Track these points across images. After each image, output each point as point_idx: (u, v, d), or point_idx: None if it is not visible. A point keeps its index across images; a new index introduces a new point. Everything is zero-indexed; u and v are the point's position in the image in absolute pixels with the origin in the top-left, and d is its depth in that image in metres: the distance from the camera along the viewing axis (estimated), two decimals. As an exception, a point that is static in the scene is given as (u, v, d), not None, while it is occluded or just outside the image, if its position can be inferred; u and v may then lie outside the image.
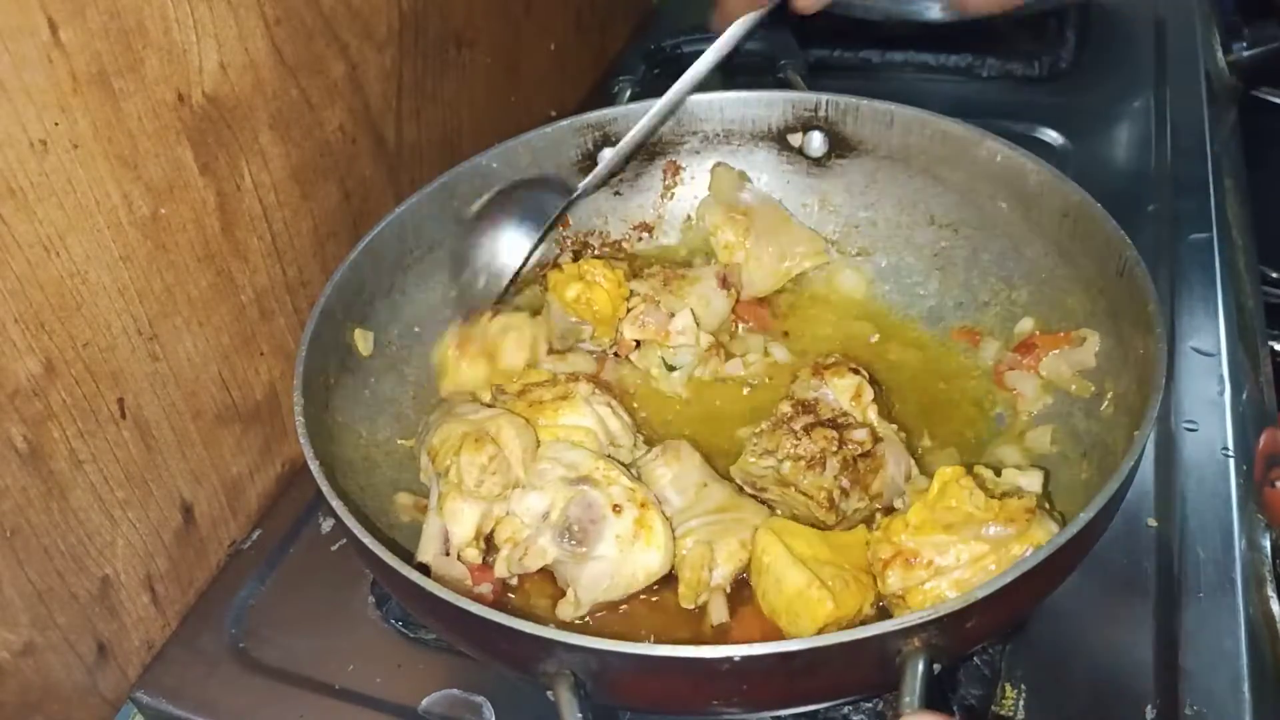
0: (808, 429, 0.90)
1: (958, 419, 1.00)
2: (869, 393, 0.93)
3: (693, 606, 0.85)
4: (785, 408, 0.93)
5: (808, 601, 0.78)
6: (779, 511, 0.90)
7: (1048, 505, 0.84)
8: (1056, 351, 0.95)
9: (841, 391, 0.93)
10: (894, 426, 0.94)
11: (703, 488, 0.90)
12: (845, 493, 0.88)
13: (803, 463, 0.88)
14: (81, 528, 0.86)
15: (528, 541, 0.85)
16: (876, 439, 0.90)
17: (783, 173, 1.17)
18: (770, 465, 0.90)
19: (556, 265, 1.08)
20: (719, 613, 0.84)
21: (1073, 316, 0.97)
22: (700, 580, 0.84)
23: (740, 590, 0.86)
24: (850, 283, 1.14)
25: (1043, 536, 0.77)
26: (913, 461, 0.92)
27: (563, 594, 0.86)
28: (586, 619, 0.86)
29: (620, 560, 0.83)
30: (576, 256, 1.14)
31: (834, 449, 0.88)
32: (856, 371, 0.94)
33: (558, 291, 1.05)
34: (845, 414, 0.92)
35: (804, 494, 0.88)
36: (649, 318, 1.03)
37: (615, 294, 1.04)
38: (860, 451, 0.89)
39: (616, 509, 0.84)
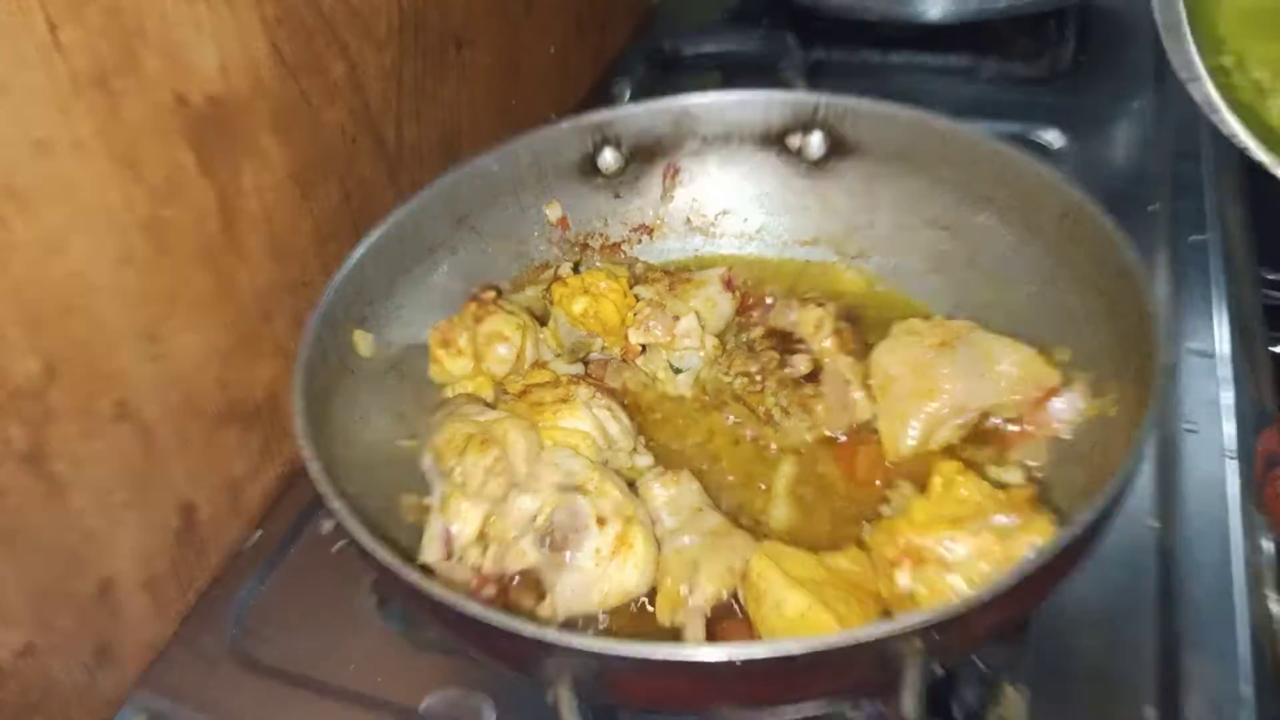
0: (752, 348, 0.99)
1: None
2: (828, 326, 0.99)
3: (668, 623, 0.83)
4: (757, 331, 1.01)
5: (812, 624, 0.77)
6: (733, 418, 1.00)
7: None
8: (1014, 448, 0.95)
9: (805, 322, 1.01)
10: (850, 361, 0.98)
11: (697, 512, 0.90)
12: (785, 412, 0.97)
13: (745, 378, 0.98)
14: (81, 528, 0.86)
15: (511, 542, 0.85)
16: (818, 367, 0.97)
17: (782, 174, 1.17)
18: (727, 380, 0.99)
19: (559, 278, 1.08)
20: (695, 636, 0.82)
21: (1073, 317, 0.97)
22: (678, 595, 0.83)
23: (720, 619, 0.84)
24: (851, 284, 1.14)
25: (1046, 525, 0.77)
26: (861, 401, 0.96)
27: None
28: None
29: (597, 574, 0.82)
30: (576, 267, 1.14)
31: (773, 368, 0.97)
32: (821, 305, 1.01)
33: (564, 306, 1.05)
34: (801, 341, 0.99)
35: (749, 408, 0.98)
36: (655, 322, 1.03)
37: (621, 303, 1.04)
38: (796, 375, 0.96)
39: (600, 521, 0.83)
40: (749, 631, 0.82)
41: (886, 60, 1.60)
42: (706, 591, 0.83)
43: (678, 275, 1.09)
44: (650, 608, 0.85)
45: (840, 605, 0.78)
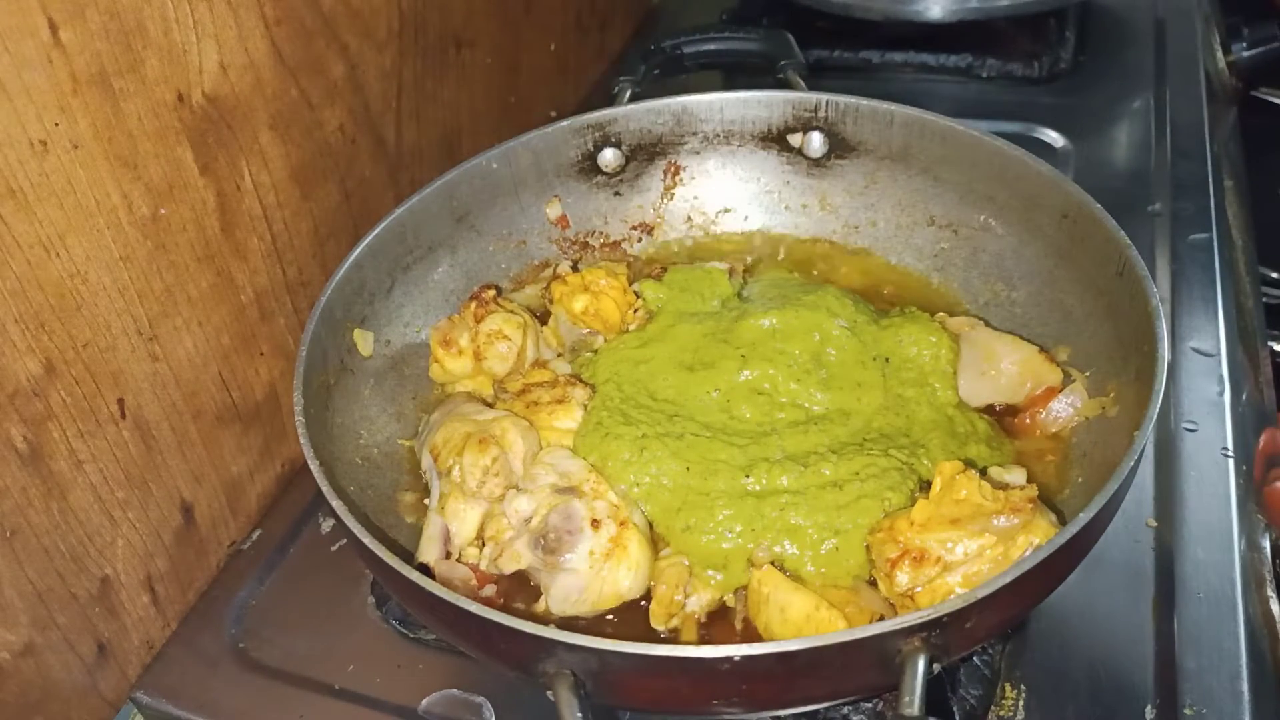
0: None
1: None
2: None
3: (663, 629, 0.83)
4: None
5: (818, 624, 0.77)
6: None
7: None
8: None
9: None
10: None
11: None
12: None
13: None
14: (81, 528, 0.86)
15: (506, 543, 0.85)
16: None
17: (783, 173, 1.17)
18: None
19: (558, 277, 1.08)
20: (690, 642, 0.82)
21: (1073, 316, 0.97)
22: (673, 602, 0.83)
23: (713, 624, 0.84)
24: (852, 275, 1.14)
25: (1046, 526, 0.77)
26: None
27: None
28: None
29: (591, 576, 0.82)
30: (575, 265, 1.14)
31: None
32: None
33: (564, 305, 1.05)
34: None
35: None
36: None
37: (621, 300, 1.04)
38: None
39: (595, 524, 0.83)
40: (746, 640, 0.83)
41: (887, 59, 1.60)
42: (702, 599, 0.84)
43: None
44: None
45: (846, 607, 0.78)
